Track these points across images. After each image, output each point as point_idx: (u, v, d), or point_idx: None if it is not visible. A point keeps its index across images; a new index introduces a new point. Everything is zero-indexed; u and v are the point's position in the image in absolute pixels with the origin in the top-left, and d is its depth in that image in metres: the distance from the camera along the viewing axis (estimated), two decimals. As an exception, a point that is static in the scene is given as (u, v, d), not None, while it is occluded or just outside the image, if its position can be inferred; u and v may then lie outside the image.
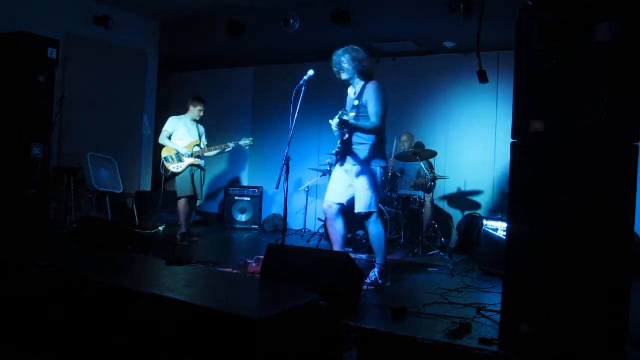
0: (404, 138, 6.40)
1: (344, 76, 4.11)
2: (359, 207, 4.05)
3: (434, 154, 5.71)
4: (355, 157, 4.08)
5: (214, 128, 6.13)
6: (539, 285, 2.47)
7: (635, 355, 2.55)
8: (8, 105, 5.45)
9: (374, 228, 4.10)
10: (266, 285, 3.17)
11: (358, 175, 4.06)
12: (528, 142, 2.54)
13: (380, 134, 4.11)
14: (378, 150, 4.11)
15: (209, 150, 5.83)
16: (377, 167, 4.09)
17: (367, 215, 4.06)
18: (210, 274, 3.66)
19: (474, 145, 6.67)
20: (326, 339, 2.77)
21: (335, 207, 4.16)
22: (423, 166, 5.80)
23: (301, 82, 3.98)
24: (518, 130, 2.56)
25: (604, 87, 2.36)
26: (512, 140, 2.59)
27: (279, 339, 2.39)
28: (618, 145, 2.37)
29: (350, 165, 4.11)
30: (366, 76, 4.10)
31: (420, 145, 6.15)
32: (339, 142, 4.20)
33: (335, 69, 4.13)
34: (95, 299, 2.81)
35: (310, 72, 3.99)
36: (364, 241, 5.55)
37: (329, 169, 6.10)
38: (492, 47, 5.93)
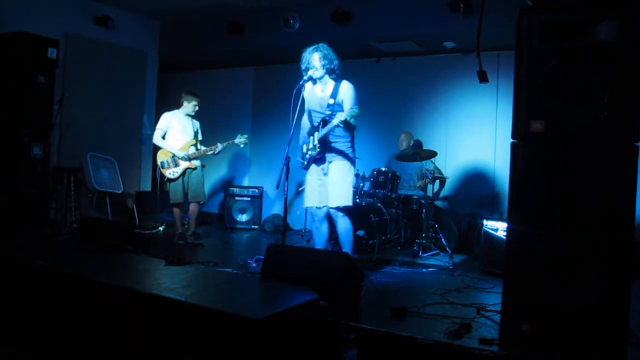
0: (402, 137, 6.40)
1: (316, 74, 4.01)
2: (335, 201, 4.06)
3: (434, 153, 5.71)
4: (331, 153, 4.12)
5: (214, 128, 6.11)
6: (539, 286, 2.47)
7: (635, 355, 2.55)
8: (8, 105, 5.45)
9: (345, 222, 4.13)
10: (266, 285, 3.17)
11: (334, 170, 4.09)
12: (528, 142, 2.54)
13: (354, 131, 4.19)
14: (352, 147, 4.18)
15: (204, 152, 5.65)
16: (351, 161, 4.16)
17: (343, 209, 4.07)
18: (210, 274, 3.67)
19: (474, 145, 6.66)
20: (326, 339, 2.77)
21: (323, 211, 4.18)
22: (425, 165, 5.79)
23: (301, 83, 4.00)
24: (518, 130, 2.55)
25: (604, 87, 2.36)
26: (512, 140, 2.59)
27: (279, 339, 2.39)
28: (618, 145, 2.37)
29: (326, 163, 4.14)
30: (335, 75, 4.08)
31: (418, 144, 6.15)
32: (308, 145, 4.19)
33: (302, 66, 4.05)
34: (95, 299, 2.82)
35: (310, 73, 4.01)
36: (364, 241, 5.54)
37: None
38: (492, 47, 5.92)
